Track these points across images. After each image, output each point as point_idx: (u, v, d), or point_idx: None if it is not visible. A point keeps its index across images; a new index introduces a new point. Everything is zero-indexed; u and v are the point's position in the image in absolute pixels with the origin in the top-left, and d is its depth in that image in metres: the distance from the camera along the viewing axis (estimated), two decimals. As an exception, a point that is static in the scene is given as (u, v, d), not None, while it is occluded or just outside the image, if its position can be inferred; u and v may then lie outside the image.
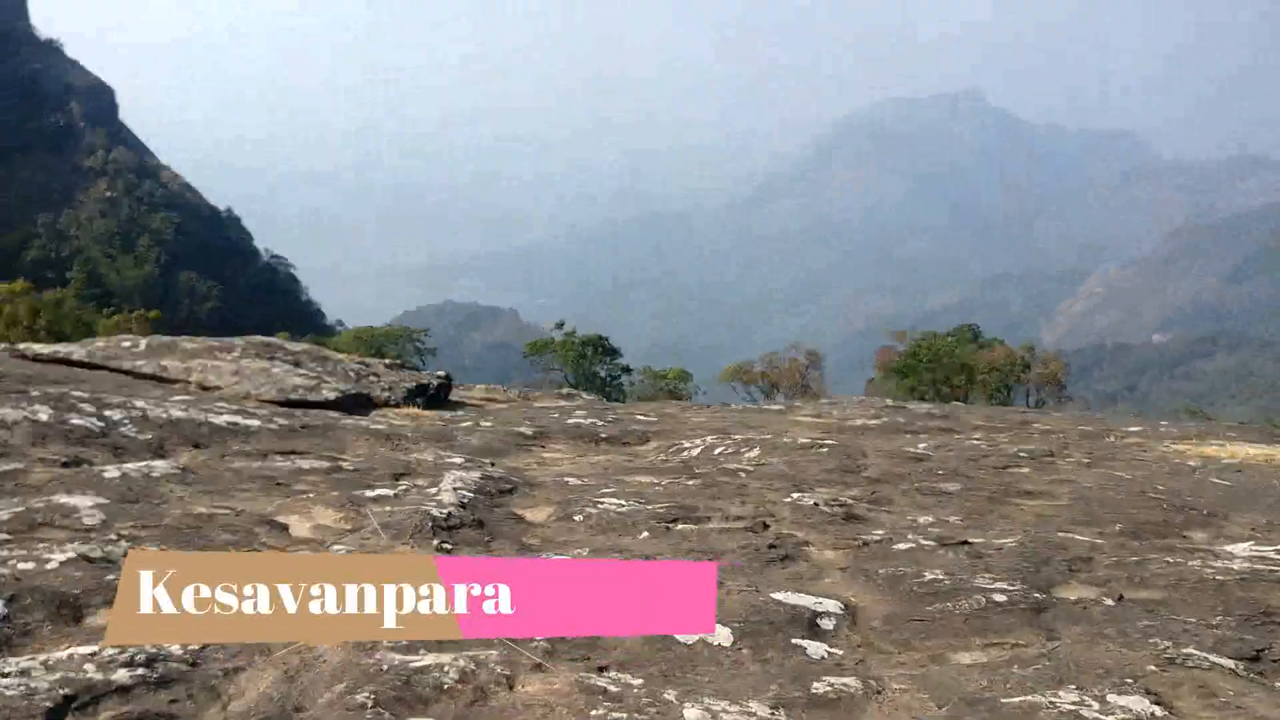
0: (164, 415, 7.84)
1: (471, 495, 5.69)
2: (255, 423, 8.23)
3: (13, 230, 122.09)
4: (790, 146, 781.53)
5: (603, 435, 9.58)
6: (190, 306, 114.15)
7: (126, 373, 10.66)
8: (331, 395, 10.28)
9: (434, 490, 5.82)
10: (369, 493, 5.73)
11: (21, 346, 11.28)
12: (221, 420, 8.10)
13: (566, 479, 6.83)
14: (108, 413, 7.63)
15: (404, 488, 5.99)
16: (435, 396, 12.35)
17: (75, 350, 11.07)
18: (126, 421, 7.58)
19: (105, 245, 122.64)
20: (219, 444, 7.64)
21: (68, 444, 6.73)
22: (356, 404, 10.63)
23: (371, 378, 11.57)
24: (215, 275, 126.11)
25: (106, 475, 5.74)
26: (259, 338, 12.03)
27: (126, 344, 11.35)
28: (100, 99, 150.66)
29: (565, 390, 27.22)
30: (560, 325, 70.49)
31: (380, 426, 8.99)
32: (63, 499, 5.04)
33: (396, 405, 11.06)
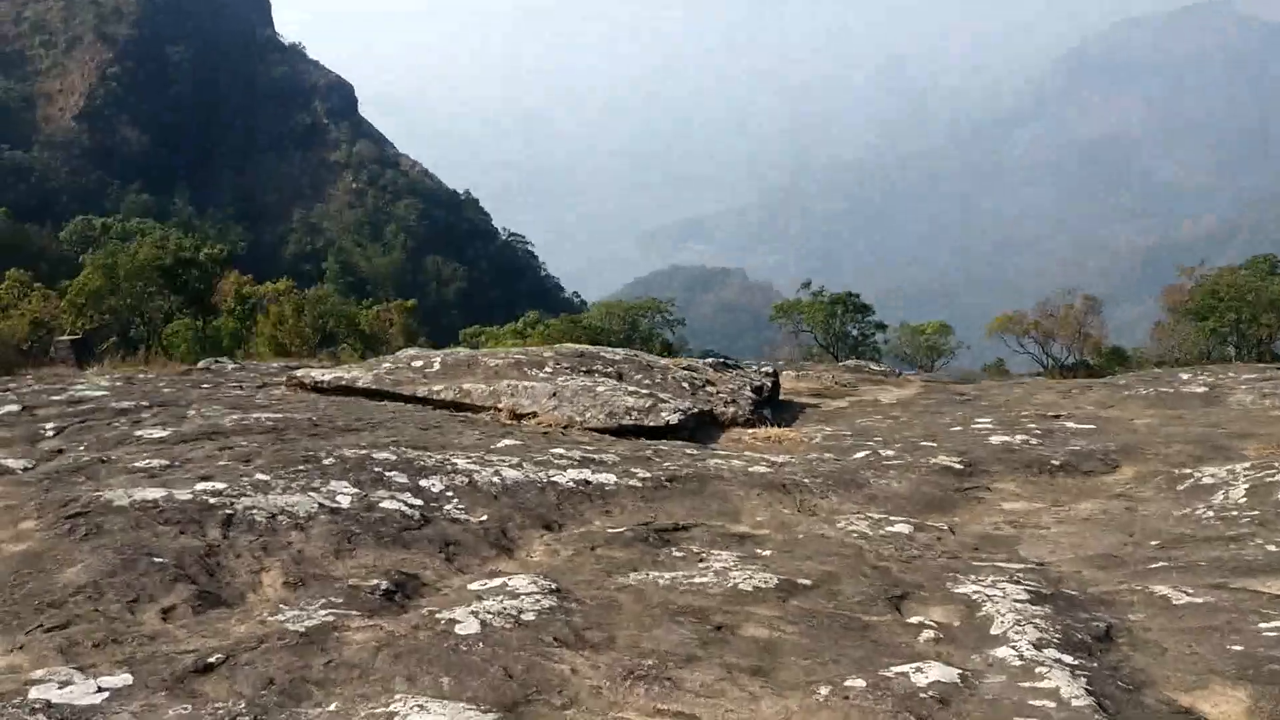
0: (495, 481, 5.82)
1: (1071, 665, 3.26)
2: (609, 478, 6.11)
3: (274, 226, 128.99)
4: (1030, 75, 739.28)
5: (1054, 462, 6.96)
6: (438, 289, 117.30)
7: (422, 400, 8.84)
8: (674, 418, 8.12)
9: (997, 652, 3.41)
10: (890, 665, 3.37)
11: (300, 374, 9.66)
12: (566, 479, 6.02)
13: (1148, 590, 4.27)
14: (425, 483, 5.68)
15: (901, 632, 3.63)
16: (769, 400, 10.05)
17: (360, 376, 9.34)
18: (450, 494, 5.60)
19: (355, 235, 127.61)
20: (574, 518, 5.58)
21: (380, 546, 4.76)
22: (700, 424, 8.42)
23: (707, 387, 9.34)
24: (458, 257, 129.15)
25: (460, 629, 3.62)
26: (571, 346, 10.02)
27: (418, 364, 9.55)
28: (341, 95, 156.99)
29: (880, 368, 24.55)
30: (807, 285, 67.45)
31: (761, 469, 6.70)
32: (406, 708, 2.94)
33: (745, 422, 8.79)
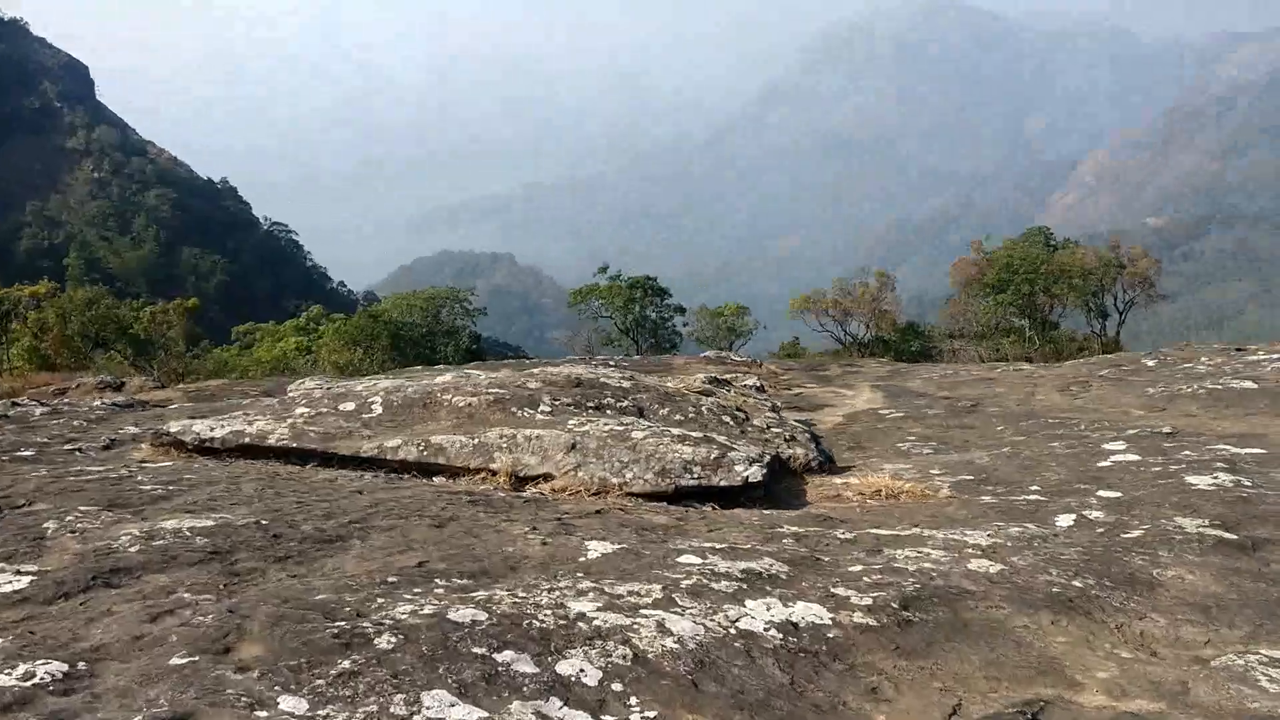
0: (668, 646, 3.40)
1: None
2: (815, 614, 3.79)
3: (1, 219, 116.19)
4: (776, 64, 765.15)
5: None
6: (196, 283, 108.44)
7: (371, 464, 6.16)
8: (754, 472, 5.87)
9: None
10: None
11: (174, 428, 6.72)
12: (761, 626, 3.68)
13: None
14: (567, 669, 3.24)
15: None
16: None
17: (271, 428, 6.52)
18: (622, 689, 3.19)
19: (100, 228, 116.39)
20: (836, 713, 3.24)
21: None
22: (772, 476, 6.18)
23: (754, 421, 7.04)
24: (218, 248, 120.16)
25: None
26: (560, 372, 7.43)
27: (347, 405, 6.79)
28: (75, 77, 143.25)
29: (742, 359, 22.79)
30: (604, 269, 65.61)
31: (985, 564, 4.50)
32: None
33: (819, 466, 6.62)
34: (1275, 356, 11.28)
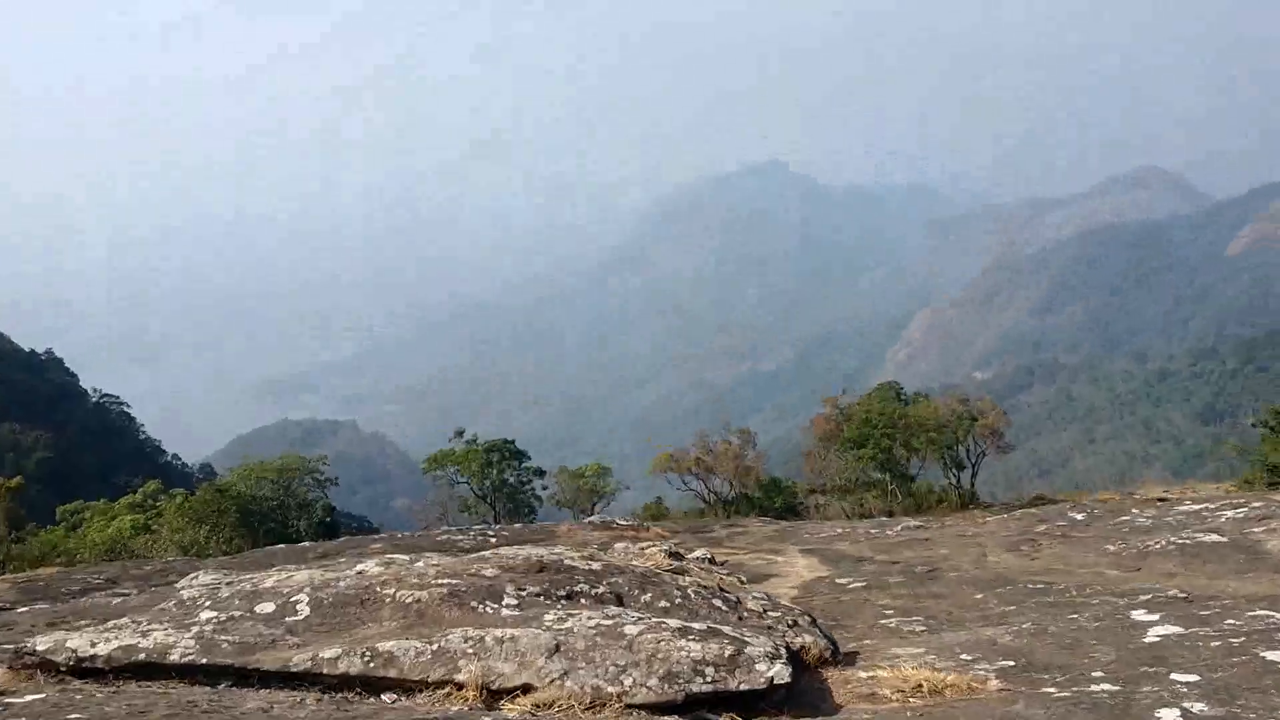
0: None
1: None
2: None
3: None
4: (615, 231, 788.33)
5: None
6: (16, 461, 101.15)
7: (303, 679, 4.97)
8: (780, 673, 4.93)
9: None
10: None
11: (42, 645, 5.35)
12: None
13: None
14: None
15: None
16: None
17: (171, 640, 5.24)
18: None
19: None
20: None
21: None
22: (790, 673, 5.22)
23: (749, 605, 6.10)
24: (41, 422, 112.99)
25: None
26: (519, 554, 6.34)
27: (265, 606, 5.56)
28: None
29: (628, 522, 21.78)
30: (460, 433, 63.98)
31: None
32: None
33: (831, 657, 5.72)
34: (1214, 507, 11.00)
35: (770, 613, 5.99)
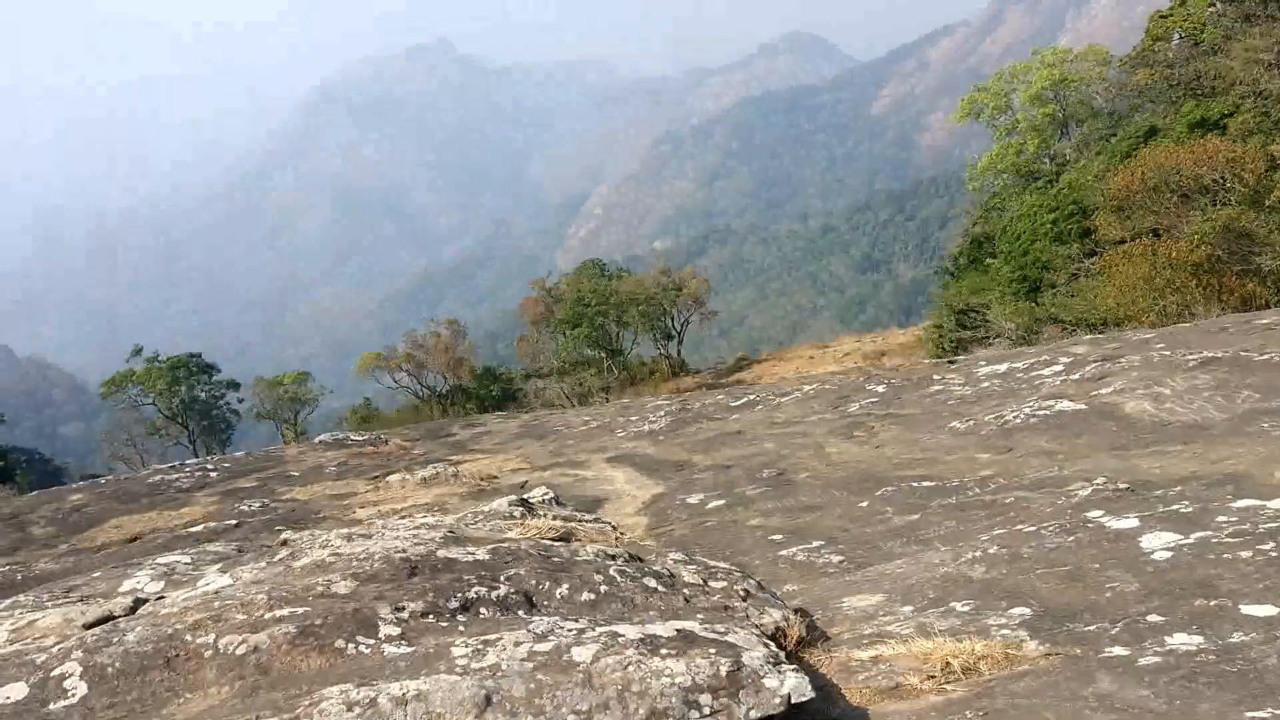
0: None
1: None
2: None
3: None
4: (274, 123, 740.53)
5: None
6: None
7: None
8: (798, 686, 3.60)
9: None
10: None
11: None
12: None
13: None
14: None
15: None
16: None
17: None
18: None
19: None
20: None
21: None
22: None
23: (685, 578, 4.69)
24: None
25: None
26: (372, 552, 4.51)
27: (16, 691, 3.57)
28: None
29: (364, 436, 19.76)
30: (139, 351, 58.33)
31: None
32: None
33: (807, 635, 4.47)
34: (1022, 366, 10.59)
35: (712, 582, 4.63)
